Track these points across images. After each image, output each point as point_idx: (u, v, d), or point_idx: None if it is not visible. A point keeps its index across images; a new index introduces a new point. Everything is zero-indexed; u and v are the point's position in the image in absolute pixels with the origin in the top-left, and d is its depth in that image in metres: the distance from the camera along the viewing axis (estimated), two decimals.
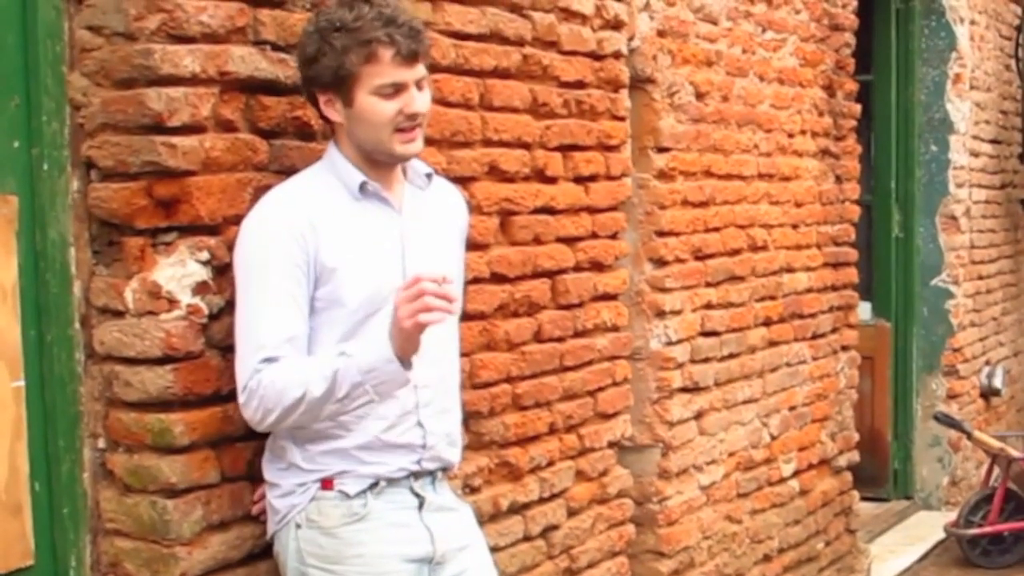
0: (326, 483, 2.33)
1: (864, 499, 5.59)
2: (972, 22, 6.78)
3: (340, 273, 2.30)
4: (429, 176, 2.51)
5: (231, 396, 2.36)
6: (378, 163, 2.41)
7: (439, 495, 2.44)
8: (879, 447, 6.34)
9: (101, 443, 2.40)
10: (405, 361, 2.21)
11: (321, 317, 2.30)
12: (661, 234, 3.92)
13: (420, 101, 2.36)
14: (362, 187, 2.38)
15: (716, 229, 4.21)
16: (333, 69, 2.31)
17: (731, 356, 4.27)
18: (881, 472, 6.37)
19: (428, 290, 2.14)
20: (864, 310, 6.11)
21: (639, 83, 3.87)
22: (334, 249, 2.31)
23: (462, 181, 3.04)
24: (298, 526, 2.33)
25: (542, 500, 3.29)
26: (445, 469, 2.48)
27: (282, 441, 2.36)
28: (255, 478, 2.44)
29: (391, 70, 2.31)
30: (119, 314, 2.35)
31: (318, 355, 2.28)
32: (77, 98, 2.37)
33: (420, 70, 2.36)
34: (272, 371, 2.24)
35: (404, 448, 2.36)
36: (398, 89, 2.33)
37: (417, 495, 2.39)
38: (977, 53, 6.85)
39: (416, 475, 2.39)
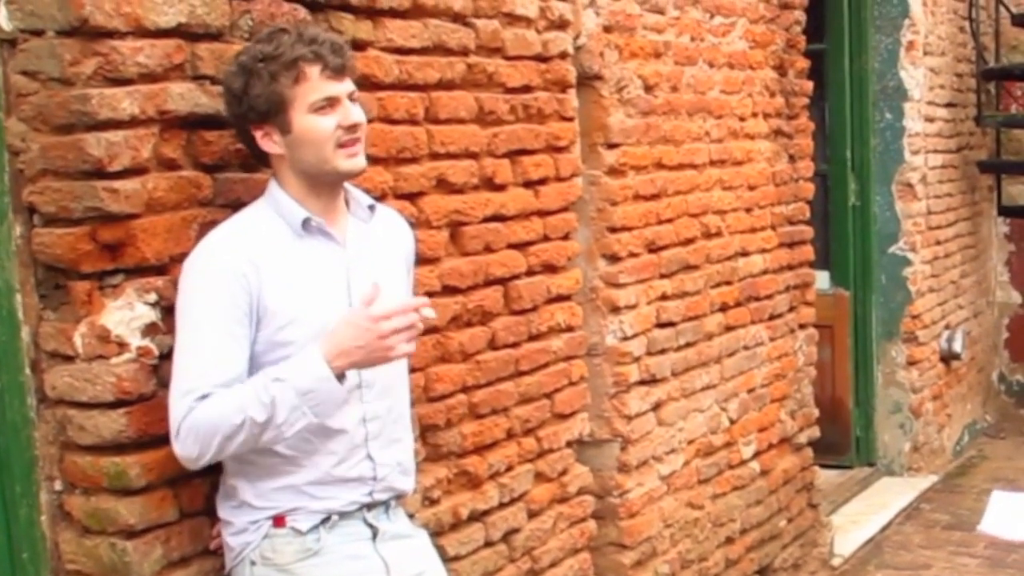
0: (278, 520, 2.35)
1: (827, 467, 5.67)
2: None
3: (284, 313, 2.31)
4: (372, 208, 2.52)
5: None
6: (322, 192, 2.42)
7: (393, 524, 2.47)
8: (841, 415, 6.41)
9: (58, 485, 2.42)
10: (341, 376, 2.24)
11: (266, 358, 2.31)
12: (613, 230, 3.94)
13: (356, 112, 2.39)
14: (305, 223, 2.39)
15: (669, 220, 4.22)
16: (265, 97, 2.33)
17: (688, 345, 4.30)
18: (843, 440, 6.43)
19: (418, 319, 2.28)
20: (822, 279, 6.16)
21: (587, 80, 3.87)
22: (277, 289, 2.32)
23: (410, 197, 3.06)
24: (253, 563, 2.36)
25: (502, 505, 3.33)
26: (399, 497, 2.51)
27: (233, 480, 2.38)
28: (214, 512, 2.47)
29: (322, 84, 2.34)
30: (69, 359, 2.36)
31: (249, 381, 2.27)
32: (16, 144, 2.37)
33: (349, 84, 2.39)
34: (204, 406, 2.24)
35: (355, 481, 2.39)
36: (332, 103, 2.35)
37: (371, 526, 2.42)
38: (930, 18, 6.86)
39: (369, 506, 2.42)
